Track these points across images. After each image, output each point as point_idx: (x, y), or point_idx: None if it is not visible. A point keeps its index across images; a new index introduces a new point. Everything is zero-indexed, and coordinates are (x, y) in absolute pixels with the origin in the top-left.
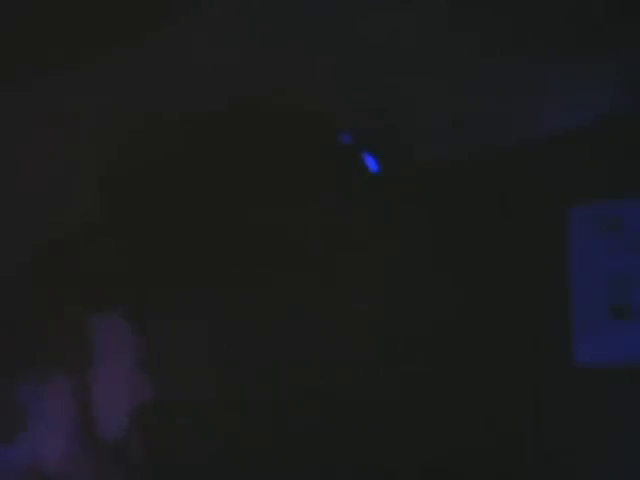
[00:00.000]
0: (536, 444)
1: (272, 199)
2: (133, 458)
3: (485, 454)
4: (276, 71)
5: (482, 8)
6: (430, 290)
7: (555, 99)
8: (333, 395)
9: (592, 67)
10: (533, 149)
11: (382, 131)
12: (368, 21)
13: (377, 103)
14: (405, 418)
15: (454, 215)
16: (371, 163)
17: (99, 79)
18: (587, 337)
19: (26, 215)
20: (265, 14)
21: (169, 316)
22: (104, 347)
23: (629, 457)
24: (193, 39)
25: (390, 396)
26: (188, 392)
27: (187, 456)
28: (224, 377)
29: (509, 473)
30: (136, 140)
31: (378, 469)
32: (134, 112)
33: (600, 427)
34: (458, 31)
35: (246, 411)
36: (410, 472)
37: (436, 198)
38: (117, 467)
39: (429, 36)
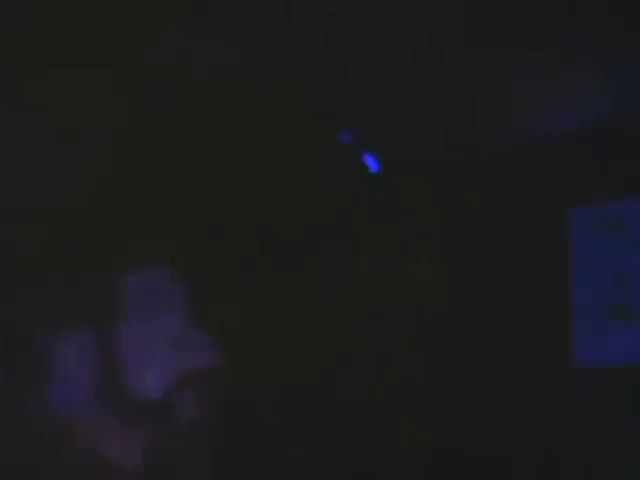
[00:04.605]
0: (536, 444)
1: (271, 198)
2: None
3: (485, 454)
4: (276, 71)
5: (481, 8)
6: (429, 290)
7: (555, 99)
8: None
9: (592, 67)
10: (533, 149)
11: (382, 131)
12: (368, 21)
13: (377, 103)
14: (404, 417)
15: (453, 215)
16: (371, 163)
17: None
18: (587, 337)
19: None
20: (266, 15)
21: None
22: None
23: (629, 457)
24: (193, 38)
25: (389, 395)
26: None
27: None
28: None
29: (509, 473)
30: (134, 138)
31: (378, 467)
32: (133, 111)
33: (600, 427)
34: (457, 31)
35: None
36: (411, 471)
37: (435, 198)
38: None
39: (429, 37)
